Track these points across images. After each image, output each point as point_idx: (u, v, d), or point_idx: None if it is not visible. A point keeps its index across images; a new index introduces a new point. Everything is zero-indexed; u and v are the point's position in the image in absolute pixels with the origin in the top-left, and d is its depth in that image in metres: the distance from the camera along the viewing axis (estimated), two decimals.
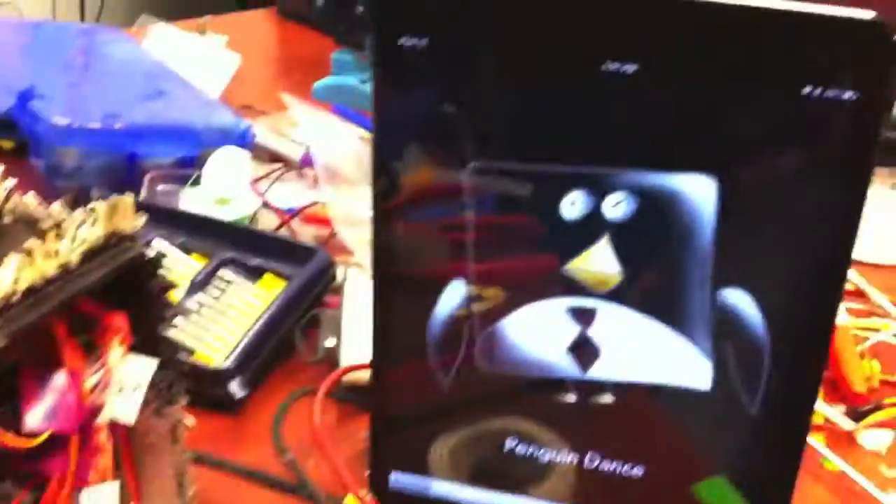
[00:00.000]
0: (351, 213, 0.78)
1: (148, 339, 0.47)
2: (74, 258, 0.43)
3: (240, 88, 1.10)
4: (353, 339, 0.64)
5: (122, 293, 0.46)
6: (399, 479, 0.54)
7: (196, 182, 0.84)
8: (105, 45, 1.06)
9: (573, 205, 0.47)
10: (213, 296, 0.68)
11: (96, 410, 0.45)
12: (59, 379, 0.43)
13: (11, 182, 0.48)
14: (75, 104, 0.85)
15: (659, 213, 0.46)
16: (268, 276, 0.70)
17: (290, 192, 0.85)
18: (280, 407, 0.62)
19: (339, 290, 0.71)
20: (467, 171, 0.47)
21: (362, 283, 0.69)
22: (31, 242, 0.42)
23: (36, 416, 0.43)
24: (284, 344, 0.67)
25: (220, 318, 0.66)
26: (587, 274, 0.48)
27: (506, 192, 0.47)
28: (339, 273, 0.72)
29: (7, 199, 0.47)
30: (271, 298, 0.68)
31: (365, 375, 0.61)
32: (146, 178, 0.83)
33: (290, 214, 0.82)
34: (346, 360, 0.63)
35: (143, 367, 0.46)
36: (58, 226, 0.46)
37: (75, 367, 0.44)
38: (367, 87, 1.12)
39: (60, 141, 0.80)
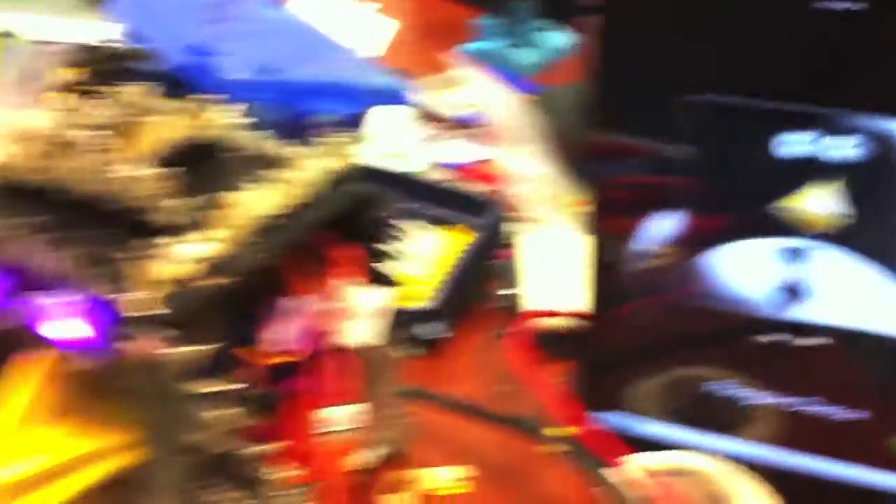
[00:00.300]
0: (517, 170, 0.79)
1: (369, 273, 0.49)
2: (310, 189, 0.45)
3: (392, 51, 1.12)
4: (535, 289, 0.65)
5: (347, 227, 0.47)
6: (603, 418, 0.55)
7: (358, 139, 0.86)
8: (252, 5, 1.08)
9: (792, 144, 0.47)
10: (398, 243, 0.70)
11: (330, 336, 0.47)
12: (296, 304, 0.45)
13: (246, 120, 0.50)
14: (245, 60, 0.88)
15: (888, 158, 0.46)
16: (450, 227, 0.72)
17: (453, 150, 0.87)
18: (481, 346, 0.64)
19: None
20: (687, 104, 0.48)
21: (536, 237, 0.70)
22: (273, 173, 0.44)
23: (276, 339, 0.45)
24: (472, 291, 0.68)
25: (405, 265, 0.68)
26: (802, 214, 0.48)
27: (723, 129, 0.48)
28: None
29: (237, 134, 0.49)
30: (456, 247, 0.69)
31: (552, 322, 0.62)
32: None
33: (457, 170, 0.83)
34: (527, 307, 0.64)
35: (375, 298, 0.47)
36: (284, 160, 0.48)
37: (310, 293, 0.46)
38: (513, 52, 1.13)
39: (236, 95, 0.82)
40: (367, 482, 0.53)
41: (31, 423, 0.41)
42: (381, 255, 0.49)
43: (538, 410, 0.55)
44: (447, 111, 0.93)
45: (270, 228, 0.42)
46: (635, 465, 0.50)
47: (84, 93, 0.89)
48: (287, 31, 0.99)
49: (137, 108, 0.48)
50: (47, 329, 0.39)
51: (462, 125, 0.90)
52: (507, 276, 0.68)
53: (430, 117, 0.92)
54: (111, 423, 0.42)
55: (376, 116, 0.86)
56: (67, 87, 0.86)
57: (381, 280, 0.49)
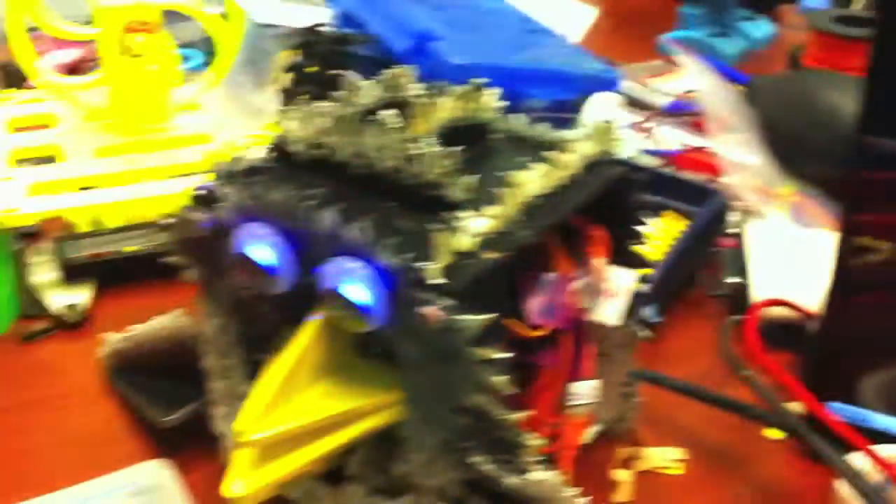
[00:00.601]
0: (731, 159, 0.80)
1: (617, 253, 0.50)
2: (577, 171, 0.47)
3: (591, 38, 1.14)
4: (764, 278, 0.66)
5: (601, 209, 0.49)
6: (834, 409, 0.55)
7: (572, 125, 0.87)
8: None
9: None
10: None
11: (581, 313, 0.49)
12: (552, 281, 0.48)
13: (500, 104, 0.52)
14: (464, 46, 0.90)
15: None
16: (667, 213, 0.73)
17: (663, 138, 0.88)
18: (701, 332, 0.65)
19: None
20: None
21: (762, 227, 0.71)
22: (540, 155, 0.47)
23: (534, 313, 0.47)
24: (686, 277, 0.70)
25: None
26: None
27: None
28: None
29: (502, 117, 0.52)
30: (672, 234, 0.70)
31: (780, 311, 0.62)
32: None
33: (667, 158, 0.84)
34: (756, 296, 0.65)
35: (626, 277, 0.49)
36: (550, 143, 0.50)
37: (565, 271, 0.48)
38: (717, 41, 1.13)
39: (459, 80, 0.85)
40: (596, 455, 0.55)
41: (297, 383, 0.44)
42: (631, 238, 0.51)
43: (767, 396, 0.56)
44: (656, 98, 0.94)
45: (539, 207, 0.45)
46: (871, 456, 0.50)
47: (306, 75, 0.94)
48: (503, 17, 1.01)
49: (404, 90, 0.51)
50: (336, 292, 0.42)
51: (672, 113, 0.91)
52: (731, 264, 0.69)
53: (639, 104, 0.93)
54: (372, 384, 0.45)
55: (589, 102, 0.87)
56: (291, 69, 0.92)
57: (630, 261, 0.51)
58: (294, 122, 0.47)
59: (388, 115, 0.44)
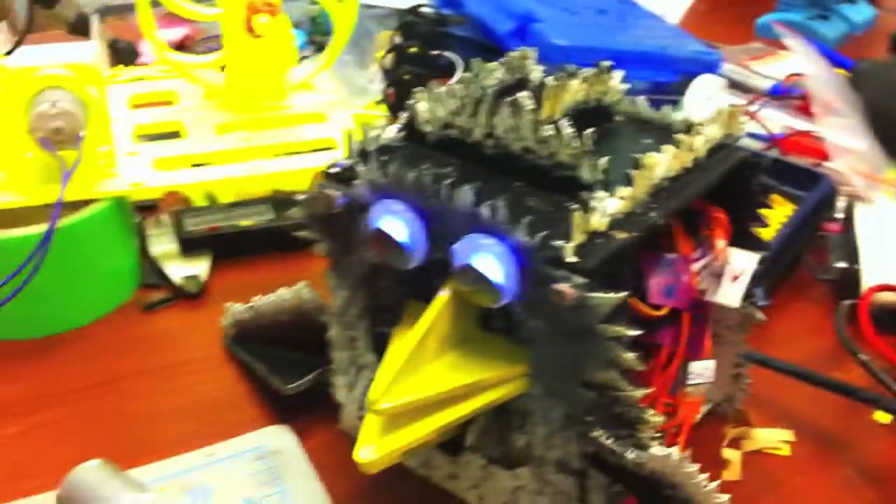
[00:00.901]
0: (841, 143, 0.79)
1: (738, 235, 0.51)
2: (702, 154, 0.48)
3: (688, 20, 1.14)
4: (875, 264, 0.66)
5: (724, 191, 0.50)
6: None
7: (675, 106, 0.88)
8: None
9: None
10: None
11: (701, 293, 0.49)
12: (674, 261, 0.48)
13: (624, 86, 0.53)
14: (564, 27, 0.91)
15: None
16: (772, 197, 0.73)
17: (766, 121, 0.87)
18: (808, 315, 0.66)
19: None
20: None
21: (872, 212, 0.71)
22: (667, 138, 0.48)
23: (655, 292, 0.48)
24: (792, 261, 0.70)
25: None
26: None
27: None
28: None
29: (625, 100, 0.53)
30: (778, 217, 0.70)
31: (890, 297, 0.63)
32: None
33: (775, 141, 0.84)
34: (868, 282, 0.65)
35: (747, 260, 0.50)
36: (667, 126, 0.51)
37: (686, 252, 0.49)
38: (814, 24, 1.12)
39: (561, 60, 0.86)
40: (705, 434, 0.56)
41: (425, 355, 0.46)
42: (752, 221, 0.51)
43: (883, 380, 0.56)
44: (758, 81, 0.93)
45: (666, 189, 0.46)
46: None
47: (407, 55, 0.95)
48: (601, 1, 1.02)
49: (527, 71, 0.52)
50: (470, 268, 0.43)
51: (778, 96, 0.91)
52: (838, 248, 0.69)
53: (740, 87, 0.93)
54: (495, 358, 0.47)
55: (693, 84, 0.87)
56: (392, 49, 0.93)
57: (749, 244, 0.51)
58: (425, 103, 0.49)
59: (523, 96, 0.45)
